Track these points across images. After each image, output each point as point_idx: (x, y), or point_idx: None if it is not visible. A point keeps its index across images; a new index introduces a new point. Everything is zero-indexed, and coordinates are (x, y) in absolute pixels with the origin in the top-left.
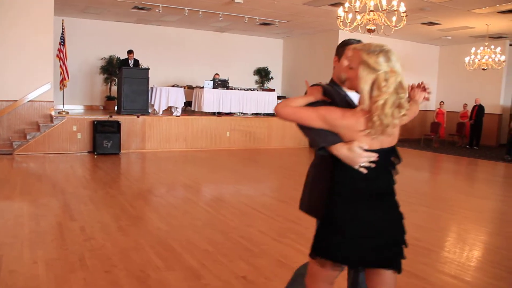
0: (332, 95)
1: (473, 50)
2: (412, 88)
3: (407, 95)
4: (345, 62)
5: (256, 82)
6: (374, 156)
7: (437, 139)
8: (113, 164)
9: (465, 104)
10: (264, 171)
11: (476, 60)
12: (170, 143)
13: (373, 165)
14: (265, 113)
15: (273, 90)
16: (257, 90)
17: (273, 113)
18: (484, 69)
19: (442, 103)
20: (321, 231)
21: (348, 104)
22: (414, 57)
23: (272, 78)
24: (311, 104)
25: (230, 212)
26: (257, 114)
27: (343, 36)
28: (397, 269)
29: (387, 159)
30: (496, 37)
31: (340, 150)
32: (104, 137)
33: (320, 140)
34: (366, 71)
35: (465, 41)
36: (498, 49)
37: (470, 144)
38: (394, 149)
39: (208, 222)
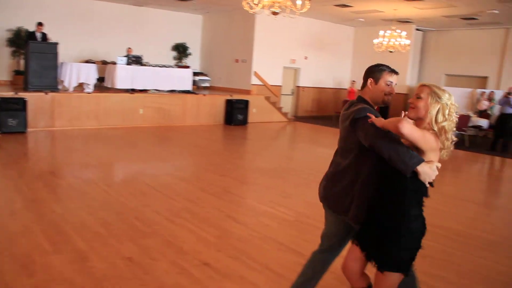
0: (376, 115)
1: (381, 33)
2: None
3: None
4: (386, 88)
5: (174, 58)
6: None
7: None
8: (17, 143)
9: None
10: (174, 149)
11: (384, 43)
12: (81, 120)
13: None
14: (180, 90)
15: (188, 67)
16: (172, 67)
17: (188, 90)
18: (391, 52)
19: (353, 82)
20: (398, 245)
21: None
22: (331, 37)
23: (190, 54)
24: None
25: (130, 193)
26: (172, 91)
27: (259, 17)
28: None
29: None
30: (404, 21)
31: (424, 167)
32: (8, 115)
33: (414, 161)
34: (435, 99)
35: (376, 24)
36: (404, 34)
37: None
38: None
39: (106, 203)
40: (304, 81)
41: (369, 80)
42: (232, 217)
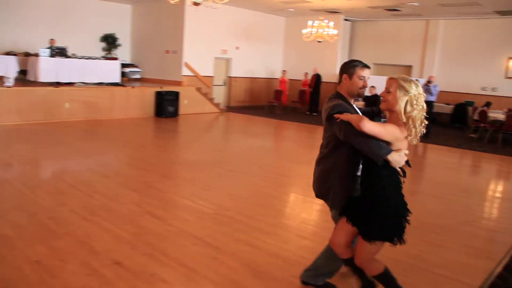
0: (349, 111)
1: (310, 23)
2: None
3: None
4: (360, 82)
5: (103, 50)
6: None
7: (280, 106)
8: None
9: (306, 73)
10: (99, 144)
11: (313, 33)
12: (2, 116)
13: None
14: (108, 83)
15: (116, 58)
16: (99, 59)
17: (117, 82)
18: (319, 41)
19: (284, 71)
20: (382, 219)
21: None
22: (262, 27)
23: (119, 45)
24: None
25: (47, 192)
26: (100, 83)
27: (189, 8)
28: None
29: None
30: (332, 12)
31: (393, 156)
32: None
33: (383, 151)
34: (402, 92)
35: (306, 14)
36: (332, 24)
37: (310, 110)
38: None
39: (18, 203)
40: (236, 71)
41: (344, 76)
42: (151, 212)
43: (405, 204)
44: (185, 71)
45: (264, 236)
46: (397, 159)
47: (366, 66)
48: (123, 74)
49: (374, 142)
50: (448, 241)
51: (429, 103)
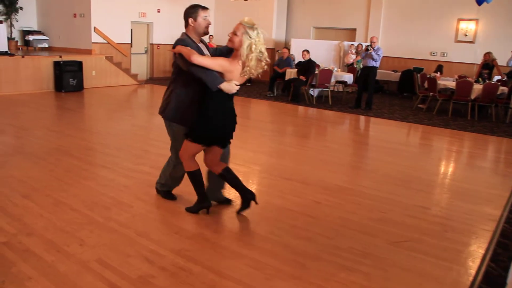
0: (192, 47)
1: None
2: None
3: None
4: (204, 22)
5: (1, 13)
6: (239, 88)
7: None
8: None
9: None
10: None
11: None
12: None
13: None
14: None
15: (0, 22)
16: None
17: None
18: (245, 0)
19: (211, 37)
20: (198, 124)
21: (200, 52)
22: None
23: (21, 8)
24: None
25: None
26: None
27: None
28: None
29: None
30: None
31: (225, 85)
32: None
33: (217, 81)
34: (246, 37)
35: None
36: None
37: None
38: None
39: None
40: (159, 38)
41: (190, 20)
42: None
43: (232, 124)
44: (96, 38)
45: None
46: (228, 87)
47: (207, 8)
48: (27, 43)
49: (210, 73)
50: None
51: (370, 69)
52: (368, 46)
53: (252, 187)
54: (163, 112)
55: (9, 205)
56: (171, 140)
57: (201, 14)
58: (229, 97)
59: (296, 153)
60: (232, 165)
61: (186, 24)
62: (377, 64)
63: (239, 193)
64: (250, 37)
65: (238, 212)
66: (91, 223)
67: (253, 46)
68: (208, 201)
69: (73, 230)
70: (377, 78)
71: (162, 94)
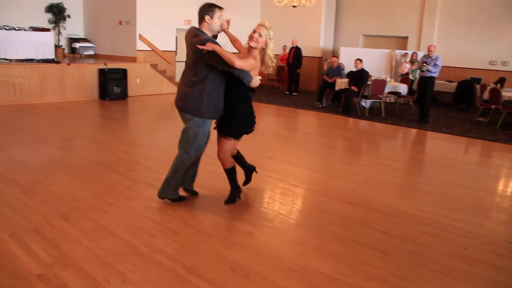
0: (218, 44)
1: None
2: None
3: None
4: (222, 24)
5: (50, 22)
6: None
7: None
8: None
9: (285, 46)
10: (4, 138)
11: None
12: None
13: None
14: (40, 59)
15: (48, 30)
16: (25, 30)
17: (51, 59)
18: (294, 6)
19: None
20: (236, 122)
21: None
22: None
23: (68, 16)
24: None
25: None
26: (30, 60)
27: None
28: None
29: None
30: None
31: (253, 81)
32: None
33: (249, 79)
34: (269, 39)
35: None
36: None
37: (289, 89)
38: None
39: None
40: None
41: (206, 17)
42: None
43: (253, 114)
44: (141, 45)
45: None
46: (255, 83)
47: (222, 8)
48: (74, 51)
49: (247, 73)
50: None
51: (428, 79)
52: (423, 63)
53: (311, 211)
54: (197, 111)
55: (47, 228)
56: (188, 139)
57: (218, 13)
58: (253, 91)
59: (352, 172)
60: (284, 184)
61: (201, 21)
62: (435, 74)
63: (231, 189)
64: (271, 38)
65: (225, 203)
66: (135, 253)
67: (272, 45)
68: (239, 187)
69: (115, 262)
70: None
71: None
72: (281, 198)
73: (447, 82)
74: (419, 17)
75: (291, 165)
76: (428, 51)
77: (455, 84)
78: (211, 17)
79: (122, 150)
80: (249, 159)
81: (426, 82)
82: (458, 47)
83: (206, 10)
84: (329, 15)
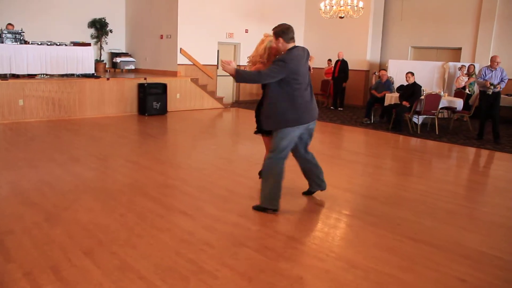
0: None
1: None
2: None
3: None
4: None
5: (92, 37)
6: None
7: None
8: None
9: (329, 59)
10: (32, 155)
11: (334, 7)
12: None
13: None
14: (80, 74)
15: (89, 44)
16: (66, 45)
17: (91, 73)
18: (341, 17)
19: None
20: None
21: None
22: (278, 5)
23: (111, 31)
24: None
25: None
26: (71, 75)
27: None
28: None
29: None
30: None
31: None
32: None
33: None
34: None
35: None
36: None
37: (334, 104)
38: None
39: None
40: (246, 59)
41: (281, 39)
42: None
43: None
44: (182, 59)
45: None
46: None
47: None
48: (115, 65)
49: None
50: None
51: (498, 94)
52: (491, 85)
53: (368, 249)
54: (275, 126)
55: (66, 266)
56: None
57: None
58: None
59: (409, 199)
60: (335, 214)
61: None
62: (500, 88)
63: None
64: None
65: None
66: None
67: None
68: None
69: None
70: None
71: (248, 118)
72: (332, 232)
73: (506, 96)
74: (474, 26)
75: (340, 190)
76: (493, 62)
77: None
78: (286, 41)
79: (157, 171)
80: (293, 181)
81: (496, 97)
82: None
83: (284, 33)
84: (377, 27)
